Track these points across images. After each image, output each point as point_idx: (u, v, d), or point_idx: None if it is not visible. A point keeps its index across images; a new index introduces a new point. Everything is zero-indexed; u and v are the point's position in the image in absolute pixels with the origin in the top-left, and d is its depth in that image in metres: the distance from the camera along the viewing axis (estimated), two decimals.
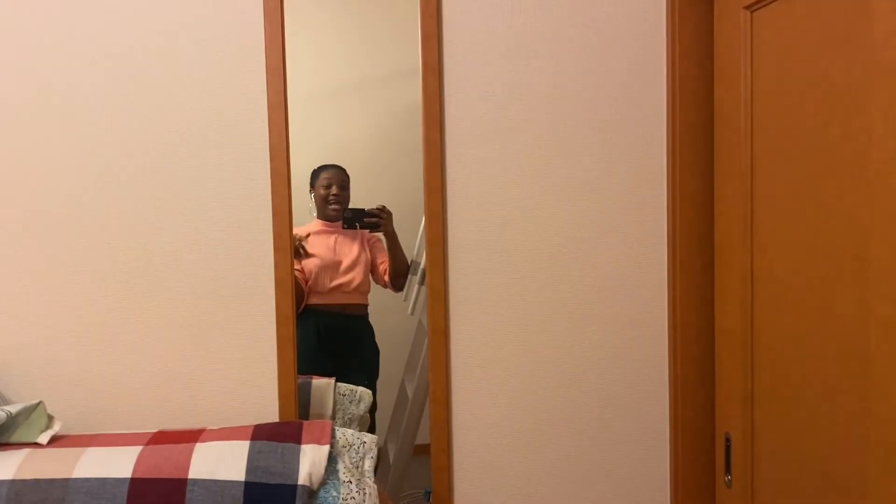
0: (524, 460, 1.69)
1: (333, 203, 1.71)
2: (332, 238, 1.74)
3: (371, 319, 1.77)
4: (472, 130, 1.63)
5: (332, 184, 1.71)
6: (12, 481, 1.22)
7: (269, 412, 1.59)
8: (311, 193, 1.72)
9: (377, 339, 1.78)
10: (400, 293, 1.77)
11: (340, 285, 1.74)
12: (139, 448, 1.30)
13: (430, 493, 1.69)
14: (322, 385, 1.67)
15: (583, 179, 1.66)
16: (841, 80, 1.19)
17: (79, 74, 1.51)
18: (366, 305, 1.77)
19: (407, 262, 1.75)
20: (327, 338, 1.75)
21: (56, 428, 1.36)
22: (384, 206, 1.72)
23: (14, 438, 1.31)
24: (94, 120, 1.52)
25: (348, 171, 1.72)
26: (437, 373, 1.64)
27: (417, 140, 1.62)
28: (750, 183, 1.46)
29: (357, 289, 1.75)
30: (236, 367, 1.58)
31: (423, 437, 1.75)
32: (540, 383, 1.68)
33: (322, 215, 1.73)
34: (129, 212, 1.54)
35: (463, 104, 1.62)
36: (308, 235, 1.70)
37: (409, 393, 1.77)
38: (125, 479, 1.23)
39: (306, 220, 1.71)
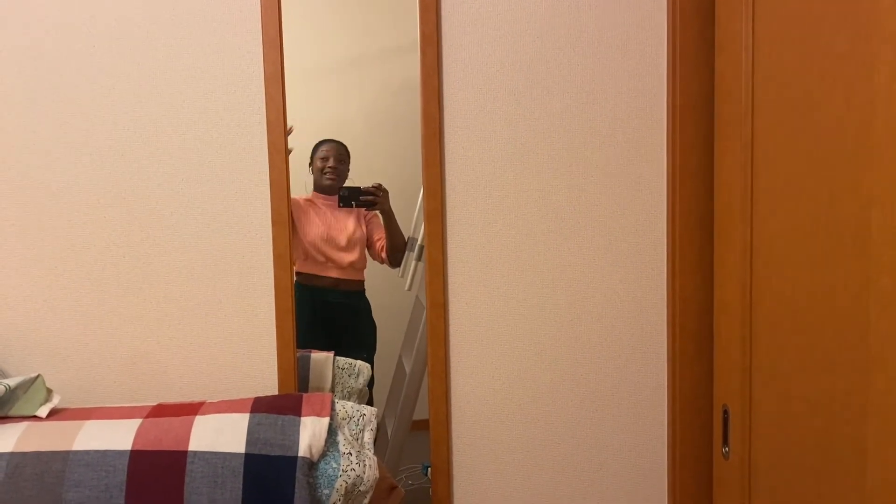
0: (523, 433, 1.70)
1: (329, 174, 1.70)
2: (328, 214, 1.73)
3: (367, 295, 1.77)
4: (471, 103, 1.61)
5: (329, 156, 1.69)
6: (12, 454, 1.22)
7: (269, 385, 1.58)
8: (310, 168, 1.71)
9: (374, 315, 1.78)
10: (396, 269, 1.76)
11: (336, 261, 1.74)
12: (139, 421, 1.30)
13: (428, 467, 1.70)
14: (321, 359, 1.66)
15: (582, 152, 1.65)
16: (844, 51, 1.17)
17: (71, 46, 1.49)
18: (362, 281, 1.77)
19: (404, 239, 1.74)
20: (323, 314, 1.74)
21: (55, 401, 1.36)
22: (380, 185, 1.71)
23: (13, 412, 1.31)
24: (88, 93, 1.50)
25: (348, 148, 1.71)
26: (435, 347, 1.64)
27: (414, 116, 1.60)
28: (750, 155, 1.46)
29: (352, 265, 1.75)
30: (235, 341, 1.58)
31: (420, 413, 1.76)
32: (538, 357, 1.69)
33: (317, 188, 1.71)
34: (125, 185, 1.53)
35: (462, 76, 1.60)
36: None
37: (407, 368, 1.77)
38: (125, 451, 1.23)
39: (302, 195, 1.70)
